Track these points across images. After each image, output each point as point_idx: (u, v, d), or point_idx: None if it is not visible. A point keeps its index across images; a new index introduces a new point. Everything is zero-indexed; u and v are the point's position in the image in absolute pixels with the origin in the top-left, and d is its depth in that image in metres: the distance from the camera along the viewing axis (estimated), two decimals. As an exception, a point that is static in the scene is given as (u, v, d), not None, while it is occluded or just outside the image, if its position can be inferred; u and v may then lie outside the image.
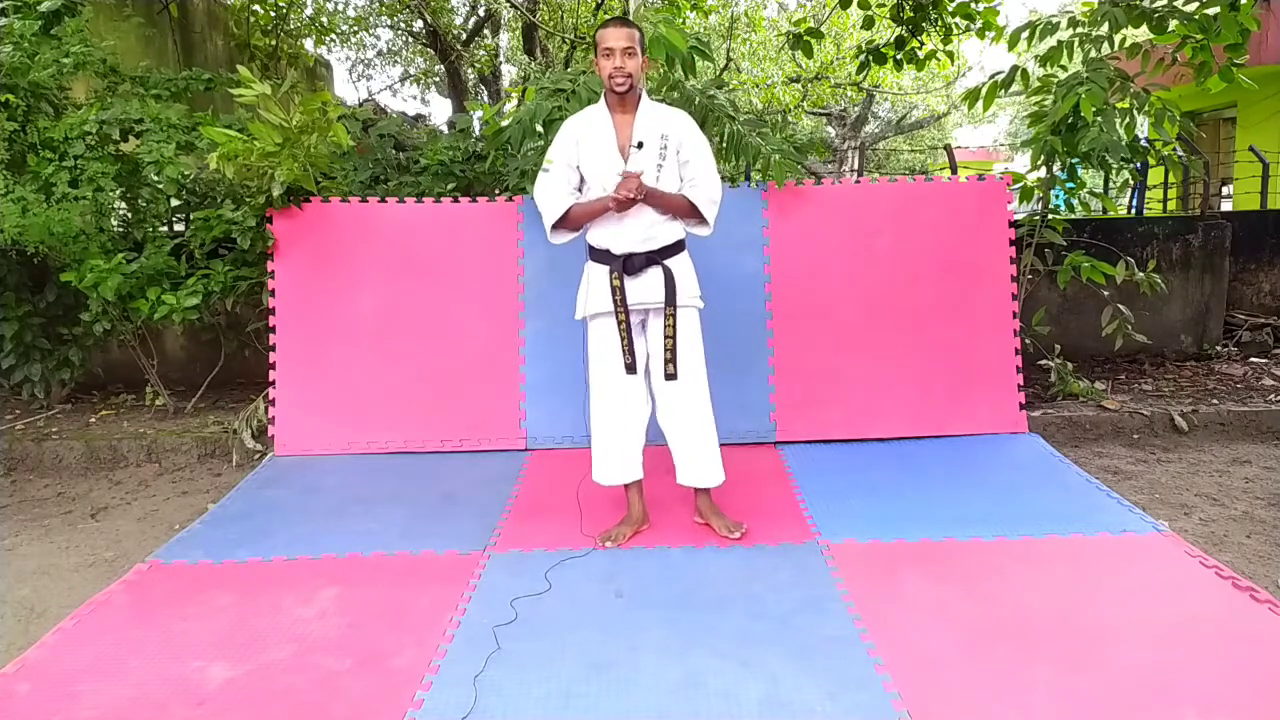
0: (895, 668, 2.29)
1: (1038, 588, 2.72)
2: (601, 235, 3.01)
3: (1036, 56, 4.61)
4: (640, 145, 2.94)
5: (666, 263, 3.01)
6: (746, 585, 2.78)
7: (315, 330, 4.26)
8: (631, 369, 3.04)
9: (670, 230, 3.02)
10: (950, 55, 6.18)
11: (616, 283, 2.97)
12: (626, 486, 3.21)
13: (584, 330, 3.16)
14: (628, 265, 2.97)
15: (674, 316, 3.00)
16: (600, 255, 3.03)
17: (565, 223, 3.04)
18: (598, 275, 3.04)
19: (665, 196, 2.95)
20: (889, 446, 4.11)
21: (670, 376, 3.04)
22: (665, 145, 2.95)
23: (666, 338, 3.02)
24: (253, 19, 10.25)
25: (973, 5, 5.66)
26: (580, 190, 3.05)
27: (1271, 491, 3.69)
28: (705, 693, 2.22)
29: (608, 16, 11.96)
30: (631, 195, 2.83)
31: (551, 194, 3.01)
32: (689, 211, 3.00)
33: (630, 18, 4.86)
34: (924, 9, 5.86)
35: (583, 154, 3.00)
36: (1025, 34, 4.51)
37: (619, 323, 2.99)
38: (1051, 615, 2.55)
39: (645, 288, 3.01)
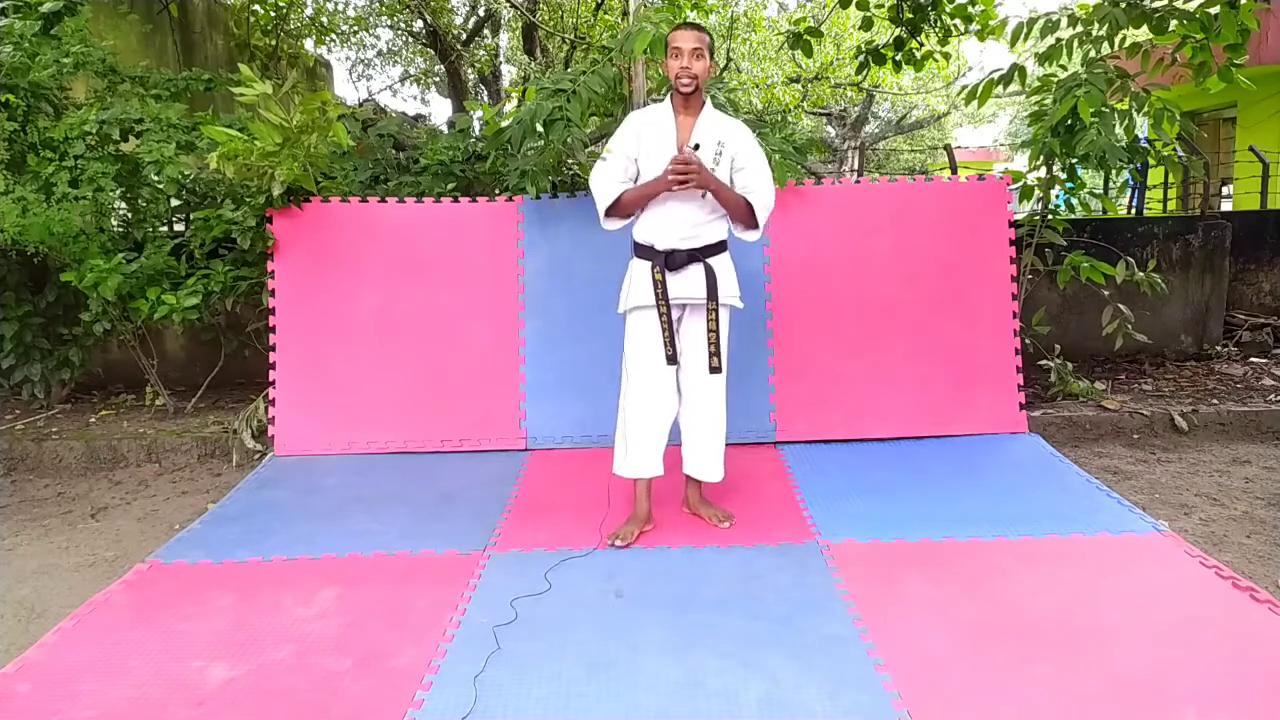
0: (895, 668, 2.29)
1: (1038, 588, 2.72)
2: (646, 231, 3.09)
3: (1036, 55, 4.61)
4: (696, 146, 3.01)
5: (708, 260, 3.08)
6: (746, 585, 2.78)
7: (315, 330, 4.26)
8: (672, 360, 3.11)
9: (713, 230, 3.10)
10: (946, 56, 6.18)
11: (659, 277, 3.05)
12: (636, 484, 3.23)
13: (623, 325, 3.22)
14: (670, 261, 3.05)
15: (716, 311, 3.08)
16: (644, 251, 3.11)
17: (617, 210, 3.11)
18: (640, 270, 3.11)
19: (723, 188, 3.01)
20: (889, 446, 4.11)
21: (715, 370, 3.12)
22: (720, 151, 3.03)
23: (710, 331, 3.10)
24: (253, 19, 10.25)
25: (970, 7, 5.66)
26: (635, 183, 3.11)
27: (1271, 491, 3.69)
28: (705, 693, 2.22)
29: (608, 18, 11.98)
30: (683, 173, 2.87)
31: (606, 181, 3.09)
32: (743, 213, 3.07)
33: (631, 17, 4.86)
34: (923, 9, 5.86)
35: (642, 147, 3.08)
36: (1025, 30, 4.51)
37: (660, 315, 3.06)
38: (1051, 615, 2.55)
39: (686, 283, 3.08)
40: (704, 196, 3.02)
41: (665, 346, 3.09)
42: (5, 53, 4.18)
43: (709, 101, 3.10)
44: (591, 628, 2.54)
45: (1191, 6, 4.36)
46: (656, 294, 3.05)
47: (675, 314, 3.13)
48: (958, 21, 5.78)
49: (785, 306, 4.27)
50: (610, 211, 3.12)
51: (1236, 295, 5.89)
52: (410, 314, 4.29)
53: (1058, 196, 4.81)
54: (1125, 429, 4.47)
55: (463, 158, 4.69)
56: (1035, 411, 4.45)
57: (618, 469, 3.23)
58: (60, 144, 4.14)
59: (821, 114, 16.39)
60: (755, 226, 3.10)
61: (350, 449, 4.17)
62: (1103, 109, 4.06)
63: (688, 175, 2.89)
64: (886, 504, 3.42)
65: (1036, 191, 4.69)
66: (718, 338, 3.11)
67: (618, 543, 3.09)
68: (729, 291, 3.14)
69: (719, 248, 3.12)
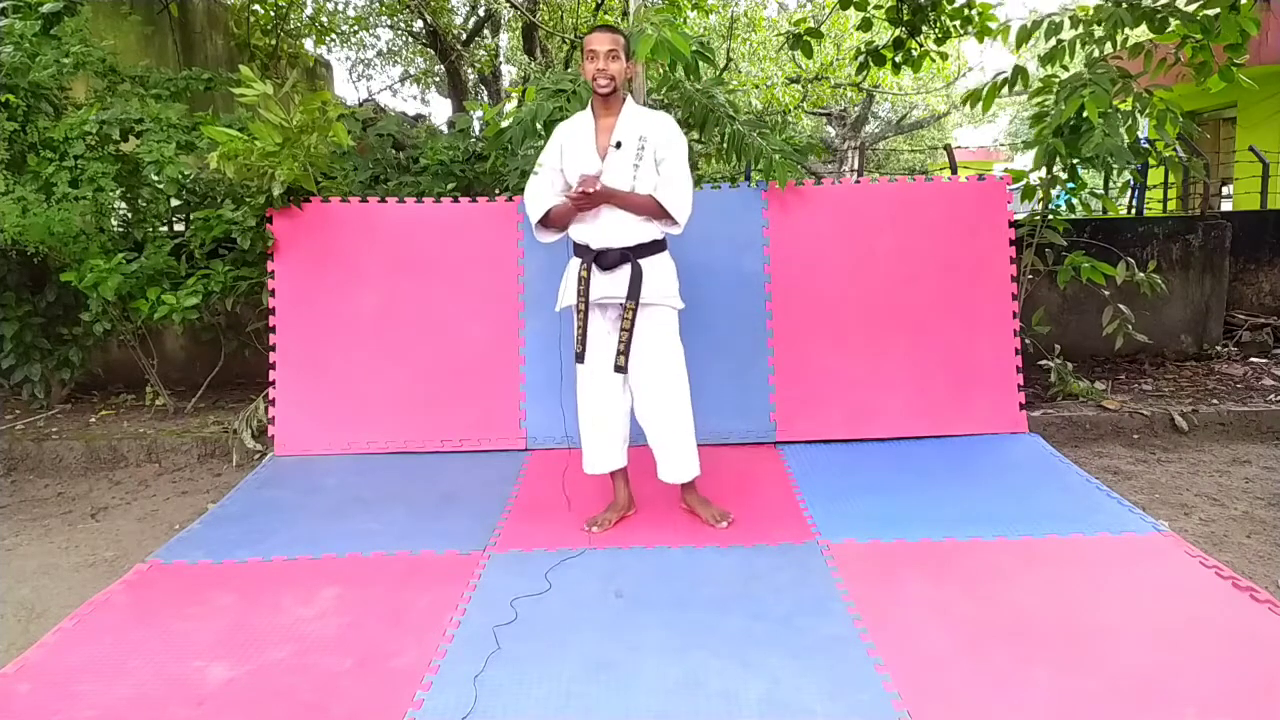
0: (895, 668, 2.29)
1: (1038, 588, 2.72)
2: (581, 231, 3.11)
3: (1038, 56, 4.61)
4: (619, 145, 3.02)
5: (640, 260, 3.08)
6: (746, 585, 2.78)
7: (315, 330, 4.26)
8: (580, 358, 3.15)
9: (646, 229, 3.09)
10: (943, 56, 6.18)
11: (584, 274, 3.07)
12: (612, 475, 3.29)
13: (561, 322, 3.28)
14: (601, 260, 3.06)
15: (633, 311, 3.07)
16: (580, 250, 3.13)
17: (549, 223, 3.16)
18: (573, 269, 3.16)
19: (627, 197, 3.02)
20: (889, 446, 4.11)
21: (620, 369, 3.12)
22: (643, 146, 3.02)
23: (622, 330, 3.09)
24: (253, 19, 10.24)
25: (967, 10, 5.66)
26: (565, 193, 3.14)
27: (1271, 491, 3.69)
28: (705, 693, 2.22)
29: (607, 17, 11.99)
30: (586, 194, 2.92)
31: (537, 195, 3.14)
32: (656, 211, 3.06)
33: (631, 18, 4.87)
34: (922, 10, 5.86)
35: (565, 157, 3.11)
36: (1029, 33, 4.51)
37: (577, 312, 3.10)
38: (1051, 615, 2.55)
39: (616, 283, 3.08)
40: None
41: (576, 343, 3.13)
42: (5, 53, 4.18)
43: (629, 100, 3.10)
44: (591, 628, 2.54)
45: (1192, 8, 4.36)
46: (578, 291, 3.08)
47: (614, 313, 3.12)
48: (956, 23, 5.78)
49: (785, 306, 4.27)
50: (543, 226, 3.16)
51: (1236, 295, 5.89)
52: (410, 314, 4.29)
53: (1058, 196, 4.81)
54: (1125, 429, 4.47)
55: (463, 158, 4.69)
56: (1035, 411, 4.45)
57: (585, 468, 3.29)
58: (60, 144, 4.14)
59: (821, 114, 16.40)
60: (675, 222, 3.08)
61: (350, 449, 4.17)
62: (1108, 109, 4.05)
63: (583, 202, 2.94)
64: (886, 504, 3.42)
65: (1037, 191, 4.69)
66: (629, 338, 3.08)
67: (594, 529, 3.17)
68: (663, 293, 3.11)
69: (653, 247, 3.11)
